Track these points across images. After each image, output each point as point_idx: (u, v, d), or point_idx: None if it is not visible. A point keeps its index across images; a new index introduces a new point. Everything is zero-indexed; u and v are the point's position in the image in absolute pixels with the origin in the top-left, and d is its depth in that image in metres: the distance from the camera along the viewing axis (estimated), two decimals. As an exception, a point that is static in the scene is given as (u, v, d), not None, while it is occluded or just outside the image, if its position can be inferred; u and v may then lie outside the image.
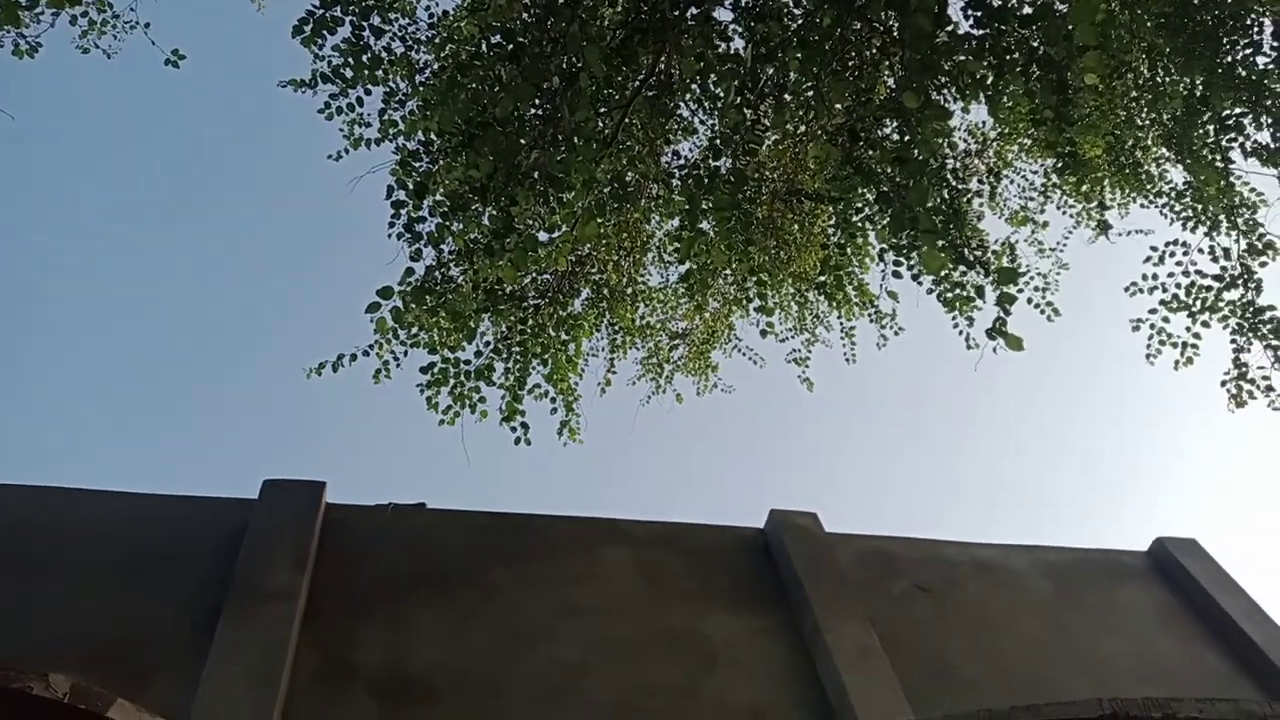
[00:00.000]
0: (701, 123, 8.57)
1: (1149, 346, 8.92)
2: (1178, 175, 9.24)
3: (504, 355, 8.27)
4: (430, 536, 6.93)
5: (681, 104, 7.96)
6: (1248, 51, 7.66)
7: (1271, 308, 8.52)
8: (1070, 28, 4.75)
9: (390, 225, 6.50)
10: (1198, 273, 8.79)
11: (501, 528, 7.10)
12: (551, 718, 5.74)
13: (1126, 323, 9.03)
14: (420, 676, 5.82)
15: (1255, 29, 7.64)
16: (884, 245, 8.39)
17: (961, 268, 7.91)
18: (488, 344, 8.29)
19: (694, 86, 7.55)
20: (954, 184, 8.73)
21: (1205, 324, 8.74)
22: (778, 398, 21.41)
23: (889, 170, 5.84)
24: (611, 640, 6.28)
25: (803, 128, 8.60)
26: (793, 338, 10.19)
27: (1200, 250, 8.85)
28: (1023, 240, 10.07)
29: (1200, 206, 8.93)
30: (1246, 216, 8.72)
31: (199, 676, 5.35)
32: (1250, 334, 8.62)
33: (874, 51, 6.77)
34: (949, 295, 8.24)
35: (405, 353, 7.81)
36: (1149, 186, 9.46)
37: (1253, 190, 8.71)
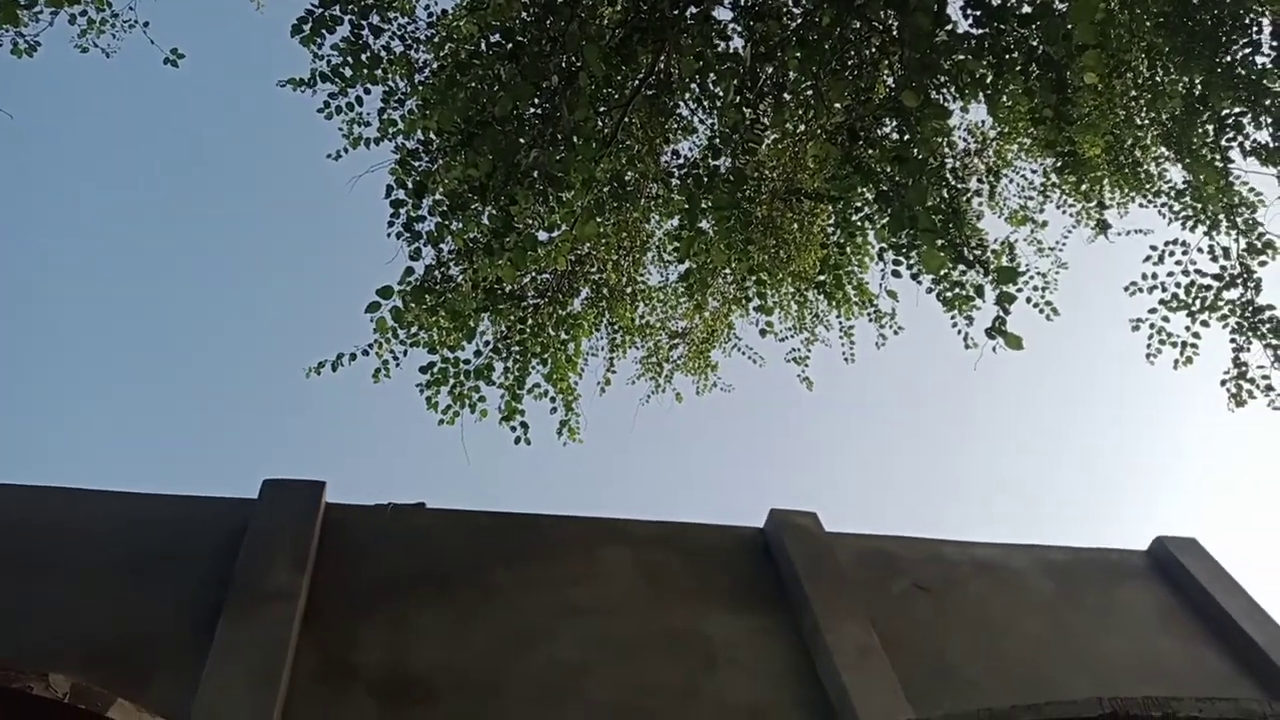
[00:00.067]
0: (701, 122, 8.58)
1: (1149, 346, 8.93)
2: (1177, 174, 9.25)
3: (503, 355, 8.27)
4: (430, 536, 6.93)
5: (681, 103, 7.96)
6: (1247, 51, 7.66)
7: (1271, 307, 8.53)
8: (1069, 27, 4.76)
9: (389, 224, 6.50)
10: (1197, 272, 8.80)
11: (501, 527, 7.10)
12: (551, 718, 5.74)
13: (1126, 322, 9.04)
14: (420, 676, 5.81)
15: (1254, 28, 7.64)
16: (883, 244, 8.40)
17: (961, 267, 7.92)
18: (487, 343, 8.29)
19: (693, 86, 7.56)
20: (953, 183, 8.73)
21: (1205, 323, 8.74)
22: (777, 397, 21.40)
23: (888, 169, 5.84)
24: (611, 640, 6.28)
25: (802, 127, 8.60)
26: (792, 337, 10.21)
27: (1200, 249, 8.86)
28: (1022, 240, 10.09)
29: (1200, 206, 8.93)
30: (1246, 216, 8.72)
31: (199, 676, 5.35)
32: (1250, 333, 8.62)
33: (873, 50, 6.77)
34: (948, 294, 8.25)
35: (405, 352, 7.82)
36: (1148, 186, 9.46)
37: (1251, 190, 8.73)
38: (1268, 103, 7.73)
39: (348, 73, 7.13)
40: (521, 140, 5.96)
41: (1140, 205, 9.69)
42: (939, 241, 5.55)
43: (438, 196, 7.00)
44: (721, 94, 7.26)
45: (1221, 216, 8.81)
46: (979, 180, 10.01)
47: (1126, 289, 9.01)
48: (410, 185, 6.47)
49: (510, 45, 6.07)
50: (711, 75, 6.86)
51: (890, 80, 6.99)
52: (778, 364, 10.25)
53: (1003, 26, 5.72)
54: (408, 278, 6.69)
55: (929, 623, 6.93)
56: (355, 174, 7.81)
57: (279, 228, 19.56)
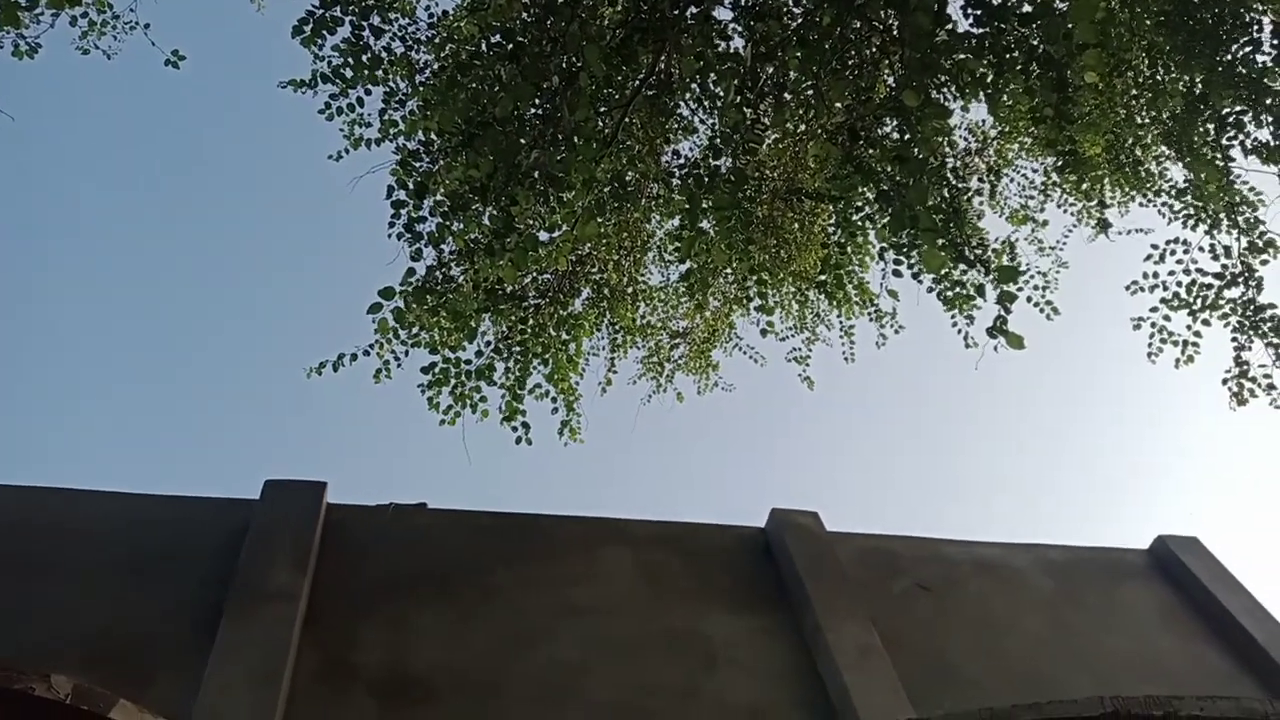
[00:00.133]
0: (701, 122, 8.58)
1: (1150, 345, 8.92)
2: (1178, 173, 9.25)
3: (505, 355, 8.28)
4: (431, 536, 6.93)
5: (681, 103, 7.96)
6: (1247, 49, 7.65)
7: (1272, 306, 8.52)
8: (1070, 26, 4.75)
9: (390, 225, 6.51)
10: (1198, 271, 8.79)
11: (502, 528, 7.10)
12: (552, 718, 5.74)
13: (1127, 321, 9.03)
14: (421, 676, 5.82)
15: (1255, 27, 7.63)
16: (884, 244, 8.40)
17: (961, 266, 7.92)
18: (488, 344, 8.29)
19: (694, 86, 7.55)
20: (954, 182, 8.73)
21: (1206, 322, 8.73)
22: (778, 397, 21.42)
23: (889, 169, 5.84)
24: (612, 640, 6.28)
25: (803, 126, 8.60)
26: (793, 336, 10.20)
27: (1201, 248, 8.85)
28: (1023, 239, 10.08)
29: (1201, 204, 8.92)
30: (1247, 214, 8.71)
31: (200, 677, 5.35)
32: (1251, 332, 8.61)
33: (874, 50, 6.77)
34: (949, 294, 8.25)
35: (406, 353, 7.82)
36: (1149, 185, 9.45)
37: (1252, 189, 8.72)
38: (1268, 101, 7.73)
39: (348, 74, 7.14)
40: (522, 141, 5.97)
41: (1140, 205, 9.69)
42: (940, 241, 5.56)
43: (439, 197, 7.01)
44: (722, 94, 7.26)
45: (1222, 215, 8.81)
46: (980, 179, 10.01)
47: (1127, 288, 9.01)
48: (411, 186, 6.47)
49: (511, 46, 6.07)
50: (712, 75, 6.86)
51: (891, 80, 6.98)
52: (778, 364, 10.26)
53: (1003, 26, 5.71)
54: (409, 278, 6.69)
55: (930, 622, 6.93)
56: (356, 175, 7.85)
57: (279, 228, 19.58)
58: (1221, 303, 8.68)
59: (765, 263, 9.07)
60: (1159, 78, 8.44)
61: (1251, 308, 8.60)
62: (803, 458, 21.64)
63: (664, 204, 8.85)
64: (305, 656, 5.74)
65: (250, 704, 5.26)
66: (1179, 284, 8.81)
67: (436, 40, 8.17)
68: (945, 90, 6.67)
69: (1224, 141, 8.23)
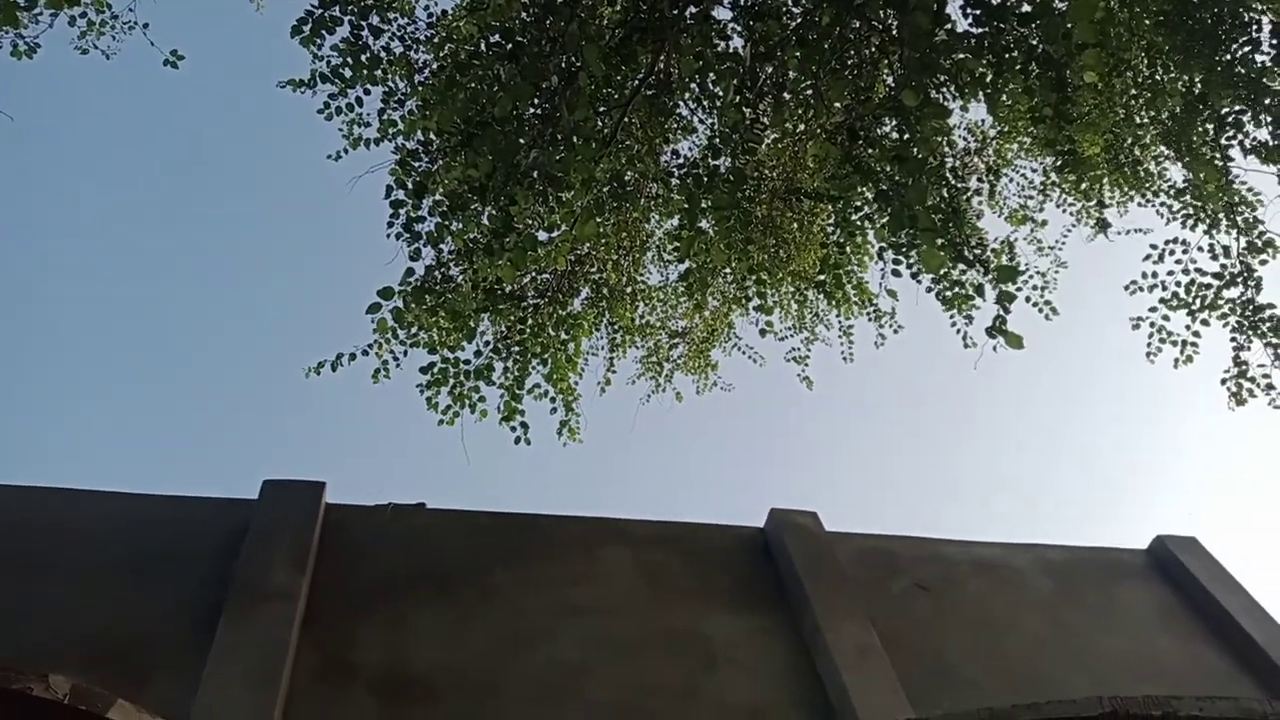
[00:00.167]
0: (701, 121, 8.58)
1: (1149, 344, 8.92)
2: (1177, 173, 9.25)
3: (503, 355, 8.27)
4: (430, 536, 6.93)
5: (680, 103, 7.96)
6: (1246, 49, 7.65)
7: (1271, 306, 8.52)
8: (1069, 25, 4.75)
9: (389, 225, 6.51)
10: (1197, 270, 8.79)
11: (501, 527, 7.10)
12: (551, 718, 5.74)
13: (1126, 320, 9.04)
14: (420, 676, 5.82)
15: (1254, 27, 7.64)
16: (883, 244, 8.40)
17: (961, 266, 7.92)
18: (487, 343, 8.29)
19: (693, 85, 7.56)
20: (953, 182, 8.73)
21: (1205, 322, 8.73)
22: (777, 396, 21.40)
23: (888, 169, 5.84)
24: (611, 640, 6.28)
25: (802, 126, 8.60)
26: (792, 336, 10.21)
27: (1200, 248, 8.86)
28: (1022, 239, 10.09)
29: (1200, 204, 8.92)
30: (1246, 214, 8.72)
31: (199, 677, 5.35)
32: (1250, 332, 8.62)
33: (873, 50, 6.77)
34: (948, 294, 8.26)
35: (405, 352, 7.82)
36: (1148, 184, 9.46)
37: (1250, 190, 8.73)
38: (1267, 101, 7.72)
39: (347, 73, 7.13)
40: (521, 140, 5.96)
41: (1139, 205, 9.70)
42: (939, 241, 5.56)
43: (438, 197, 7.01)
44: (721, 94, 7.27)
45: (1222, 215, 8.81)
46: (979, 179, 10.01)
47: (1126, 288, 9.01)
48: (410, 186, 6.47)
49: (510, 45, 6.07)
50: (711, 75, 6.87)
51: (890, 79, 6.99)
52: (777, 363, 10.27)
53: (1002, 25, 5.72)
54: (408, 278, 6.69)
55: (929, 622, 6.93)
56: (355, 174, 7.81)
57: (279, 228, 19.57)
58: (1220, 302, 8.69)
59: (764, 262, 9.07)
60: (1158, 77, 8.44)
61: (1250, 308, 8.61)
62: (802, 457, 21.65)
63: (663, 204, 8.85)
64: (304, 656, 5.73)
65: (249, 704, 5.26)
66: (1178, 284, 8.82)
67: (435, 40, 8.17)
68: (944, 90, 6.67)
69: (1223, 141, 8.23)
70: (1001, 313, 4.75)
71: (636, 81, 6.82)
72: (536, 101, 6.23)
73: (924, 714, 5.48)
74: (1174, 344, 8.84)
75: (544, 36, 6.17)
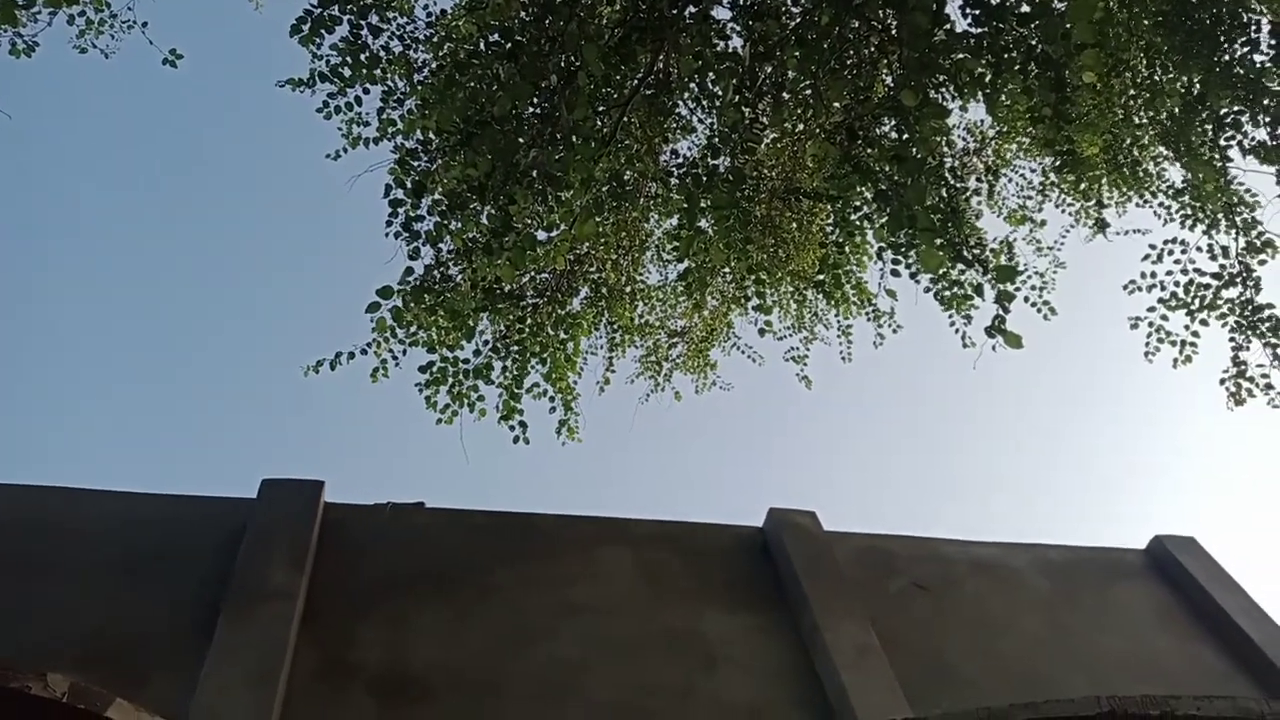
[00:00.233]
0: (700, 121, 8.58)
1: (1147, 344, 8.93)
2: (1176, 174, 9.26)
3: (502, 354, 8.27)
4: (429, 535, 6.93)
5: (680, 102, 7.96)
6: (1245, 49, 7.66)
7: (1270, 306, 8.53)
8: (1068, 25, 4.76)
9: (388, 224, 6.51)
10: (1196, 271, 8.80)
11: (500, 527, 7.10)
12: (550, 717, 5.74)
13: (1124, 320, 9.04)
14: (419, 675, 5.82)
15: (1253, 27, 7.64)
16: (882, 243, 8.39)
17: (959, 266, 7.93)
18: (486, 343, 8.29)
19: (692, 85, 7.55)
20: (952, 182, 8.73)
21: (1204, 322, 8.74)
22: (776, 396, 21.41)
23: (887, 168, 5.84)
24: (610, 639, 6.28)
25: (801, 126, 8.60)
26: (791, 336, 10.22)
27: (1199, 248, 8.86)
28: (1021, 239, 10.09)
29: (1199, 205, 8.93)
30: (1245, 215, 8.72)
31: (197, 676, 5.35)
32: (1249, 332, 8.62)
33: (872, 50, 6.77)
34: (946, 294, 8.26)
35: (404, 351, 7.80)
36: (1147, 185, 9.46)
37: (1248, 190, 8.74)
38: (1266, 101, 7.73)
39: (346, 72, 7.13)
40: (520, 140, 5.96)
41: (1138, 205, 9.70)
42: (938, 240, 5.56)
43: (436, 196, 7.00)
44: (720, 93, 7.26)
45: (1220, 215, 8.81)
46: (978, 179, 10.02)
47: (1125, 287, 9.01)
48: (409, 185, 6.47)
49: (509, 45, 6.06)
50: (710, 75, 6.86)
51: (889, 79, 6.99)
52: (776, 363, 10.27)
53: (1001, 25, 5.72)
54: (407, 277, 6.70)
55: (927, 622, 6.93)
56: (354, 174, 7.80)
57: (278, 227, 19.57)
58: (1219, 303, 8.69)
59: (763, 262, 9.08)
60: (1157, 78, 8.44)
61: (1249, 308, 8.61)
62: (800, 457, 21.65)
63: (662, 203, 8.85)
64: (303, 656, 5.73)
65: (248, 703, 5.26)
66: (1177, 284, 8.82)
67: (435, 39, 8.16)
68: (943, 90, 6.67)
69: (1222, 141, 8.23)
70: (1000, 312, 4.76)
71: (636, 81, 6.82)
72: (536, 101, 6.23)
73: (922, 713, 5.49)
74: (1173, 344, 8.85)
75: (543, 36, 6.17)
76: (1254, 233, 8.67)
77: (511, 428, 7.94)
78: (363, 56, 6.99)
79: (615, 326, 9.84)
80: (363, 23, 6.87)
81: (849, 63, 6.79)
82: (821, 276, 9.38)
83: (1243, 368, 8.66)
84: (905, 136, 5.61)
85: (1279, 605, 7.81)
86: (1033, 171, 10.31)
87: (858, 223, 8.68)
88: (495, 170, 5.79)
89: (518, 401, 8.04)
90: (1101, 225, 9.85)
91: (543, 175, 5.92)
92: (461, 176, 6.41)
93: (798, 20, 6.38)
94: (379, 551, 6.69)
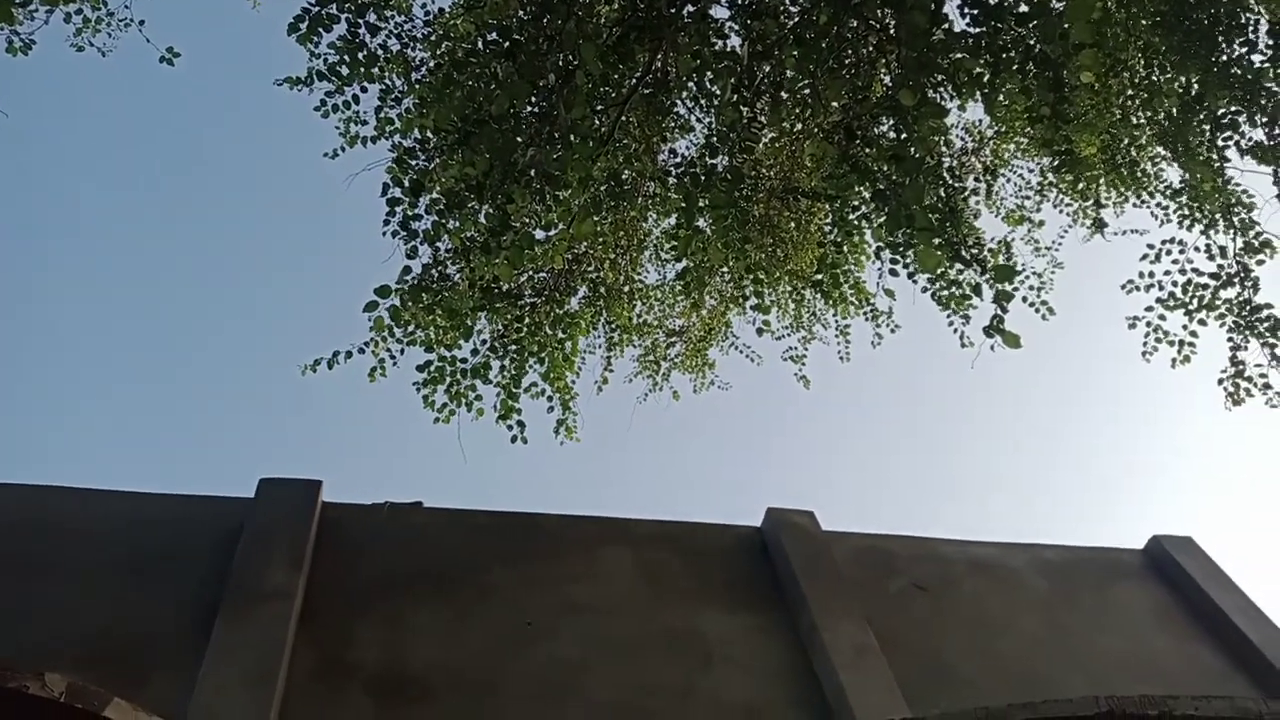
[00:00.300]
0: (698, 120, 8.58)
1: (1145, 344, 8.93)
2: (1174, 174, 9.26)
3: (500, 353, 8.27)
4: (427, 535, 6.92)
5: (678, 102, 7.95)
6: (1243, 50, 7.66)
7: (1269, 306, 8.53)
8: (1066, 26, 4.76)
9: (386, 223, 6.51)
10: (1194, 271, 8.80)
11: (498, 526, 7.09)
12: (549, 716, 5.73)
13: (1123, 320, 9.05)
14: (417, 675, 5.81)
15: (1251, 27, 7.64)
16: (880, 243, 8.40)
17: (958, 265, 7.93)
18: (484, 342, 8.29)
19: (690, 84, 7.55)
20: (950, 182, 8.73)
21: (1202, 322, 8.74)
22: (774, 395, 21.42)
23: (885, 168, 5.84)
24: (609, 639, 6.28)
25: (799, 125, 8.60)
26: (789, 335, 10.22)
27: (1197, 248, 8.87)
28: (1019, 239, 10.09)
29: (1196, 205, 8.93)
30: (1243, 215, 8.72)
31: (196, 676, 5.34)
32: (1247, 332, 8.63)
33: (870, 49, 6.77)
34: (945, 294, 8.27)
35: (401, 351, 7.80)
36: (1145, 185, 9.47)
37: (1245, 191, 8.74)
38: (1264, 101, 7.73)
39: (344, 71, 7.11)
40: (518, 139, 5.95)
41: (1135, 205, 9.71)
42: (936, 240, 5.55)
43: (434, 195, 6.99)
44: (719, 92, 7.26)
45: (1218, 216, 8.82)
46: (976, 179, 10.02)
47: (1123, 287, 9.02)
48: (407, 184, 6.46)
49: (507, 43, 6.05)
50: (709, 74, 6.86)
51: (887, 79, 6.99)
52: (775, 362, 10.27)
53: (1000, 25, 5.71)
54: (405, 276, 6.69)
55: (925, 622, 6.94)
56: (352, 172, 7.78)
57: (276, 226, 19.55)
58: (1217, 303, 8.70)
59: (761, 261, 9.07)
60: (1155, 78, 8.44)
61: (1247, 308, 8.61)
62: (799, 457, 21.66)
63: (660, 202, 8.85)
64: (301, 655, 5.73)
65: (246, 703, 5.25)
66: (1175, 284, 8.83)
67: (433, 38, 8.16)
68: (942, 90, 6.67)
69: (1220, 142, 8.23)
70: (999, 312, 4.76)
71: (634, 80, 6.82)
72: (534, 99, 6.22)
73: (920, 713, 5.49)
74: (1171, 344, 8.86)
75: (541, 35, 6.17)
76: (1252, 233, 8.68)
77: (509, 427, 7.94)
78: (360, 55, 6.98)
79: (613, 326, 9.83)
80: (360, 21, 6.86)
81: (847, 62, 6.79)
82: (820, 276, 9.38)
83: (1241, 367, 8.67)
84: (903, 136, 5.60)
85: (1277, 605, 7.83)
86: (1031, 171, 10.33)
87: (856, 222, 8.69)
88: (493, 169, 5.78)
89: (516, 401, 8.04)
90: (1099, 225, 9.86)
91: (541, 174, 5.92)
92: (459, 175, 6.40)
93: (796, 19, 6.38)
94: (377, 551, 6.68)
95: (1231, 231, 8.77)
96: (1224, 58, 7.67)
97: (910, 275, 8.09)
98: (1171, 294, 8.81)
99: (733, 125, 6.87)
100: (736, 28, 6.57)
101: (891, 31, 6.05)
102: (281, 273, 19.24)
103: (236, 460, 18.39)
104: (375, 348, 7.46)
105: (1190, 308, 8.76)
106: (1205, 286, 8.73)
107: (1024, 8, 5.65)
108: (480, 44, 6.92)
